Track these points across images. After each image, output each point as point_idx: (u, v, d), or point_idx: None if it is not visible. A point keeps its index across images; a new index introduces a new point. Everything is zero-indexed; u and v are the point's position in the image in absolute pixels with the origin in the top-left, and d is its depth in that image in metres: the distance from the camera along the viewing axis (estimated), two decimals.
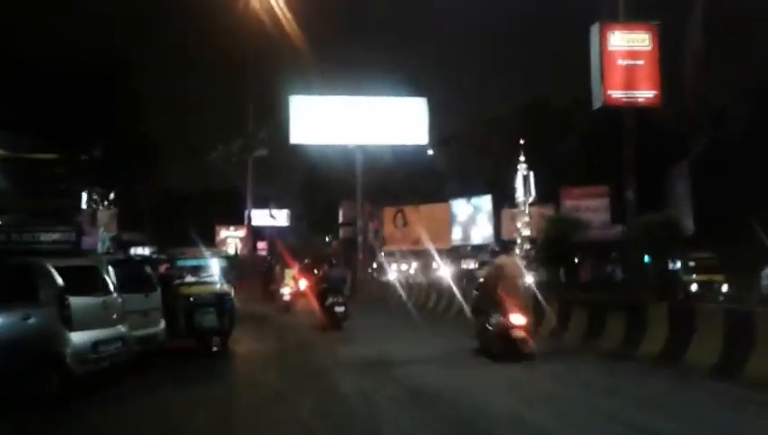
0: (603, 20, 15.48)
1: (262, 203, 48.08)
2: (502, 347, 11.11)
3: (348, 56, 47.22)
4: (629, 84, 15.21)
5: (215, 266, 13.56)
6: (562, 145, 44.72)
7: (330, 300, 16.77)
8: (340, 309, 16.65)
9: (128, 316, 10.28)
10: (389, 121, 29.94)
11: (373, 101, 30.30)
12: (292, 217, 51.67)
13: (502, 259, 12.07)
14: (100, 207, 31.97)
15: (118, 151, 35.10)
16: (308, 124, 29.23)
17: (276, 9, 30.34)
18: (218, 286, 13.00)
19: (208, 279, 13.34)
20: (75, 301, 9.09)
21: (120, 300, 10.17)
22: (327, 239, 52.33)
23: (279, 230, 50.97)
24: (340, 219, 42.96)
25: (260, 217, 48.29)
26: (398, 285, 28.09)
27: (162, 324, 11.63)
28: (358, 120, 29.44)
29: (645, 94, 15.53)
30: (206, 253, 14.08)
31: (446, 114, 32.50)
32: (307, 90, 30.24)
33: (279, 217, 50.95)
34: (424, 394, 9.18)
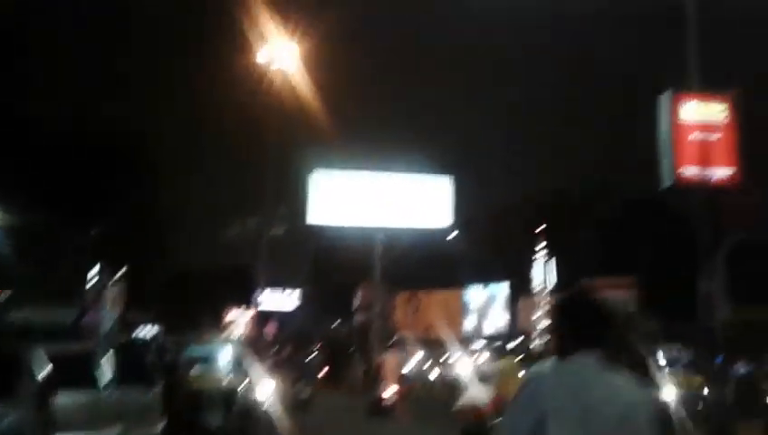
0: (675, 89, 13.79)
1: (272, 284, 46.34)
2: (382, 407, 16.97)
3: (372, 133, 45.84)
4: (703, 161, 13.42)
5: (226, 355, 11.90)
6: (580, 234, 43.47)
7: (297, 385, 18.83)
8: (304, 396, 18.41)
9: (124, 415, 8.64)
10: (412, 201, 28.34)
11: (396, 177, 28.71)
12: (302, 300, 49.73)
13: (385, 355, 19.88)
14: (108, 285, 30.39)
15: (130, 226, 33.95)
16: (327, 203, 27.70)
17: (296, 83, 29.45)
18: (228, 380, 11.32)
19: (217, 372, 11.65)
20: (62, 399, 7.48)
21: (116, 395, 8.55)
22: (335, 324, 50.27)
23: (288, 314, 49.03)
24: (356, 302, 41.01)
25: (269, 298, 46.49)
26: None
27: (161, 424, 9.91)
28: (379, 200, 27.89)
29: (721, 172, 13.66)
30: (217, 339, 12.47)
31: (464, 197, 30.55)
32: (328, 165, 28.81)
33: (289, 299, 49.12)
34: None
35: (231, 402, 10.86)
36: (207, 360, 11.82)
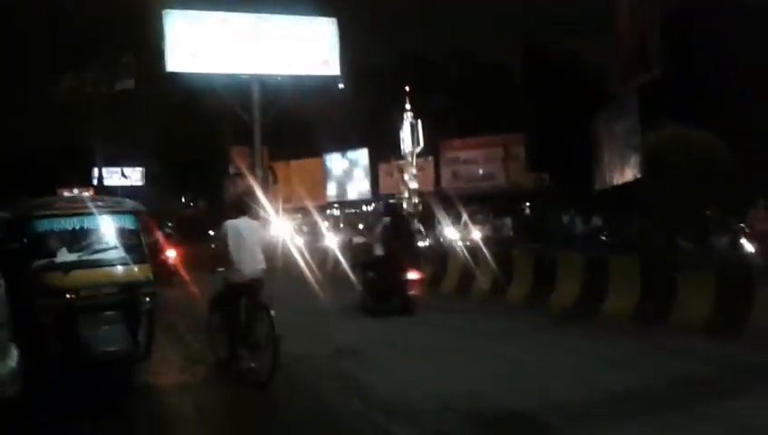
0: None
1: (112, 161, 39.09)
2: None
3: None
4: None
5: (111, 230, 6.48)
6: (438, 97, 40.46)
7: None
8: None
9: None
10: (291, 46, 22.68)
11: (270, 19, 22.69)
12: (147, 177, 42.68)
13: None
14: None
15: None
16: (190, 47, 21.21)
17: None
18: (126, 268, 6.08)
19: (104, 255, 6.19)
20: None
21: None
22: (183, 199, 44.15)
23: (133, 191, 42.07)
24: (232, 170, 34.93)
25: (111, 176, 39.50)
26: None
27: (13, 357, 4.84)
28: (252, 44, 21.91)
29: None
30: (95, 204, 6.75)
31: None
32: (188, 6, 22.12)
33: (133, 177, 42.13)
34: None
35: (139, 306, 5.84)
36: (84, 237, 6.26)
